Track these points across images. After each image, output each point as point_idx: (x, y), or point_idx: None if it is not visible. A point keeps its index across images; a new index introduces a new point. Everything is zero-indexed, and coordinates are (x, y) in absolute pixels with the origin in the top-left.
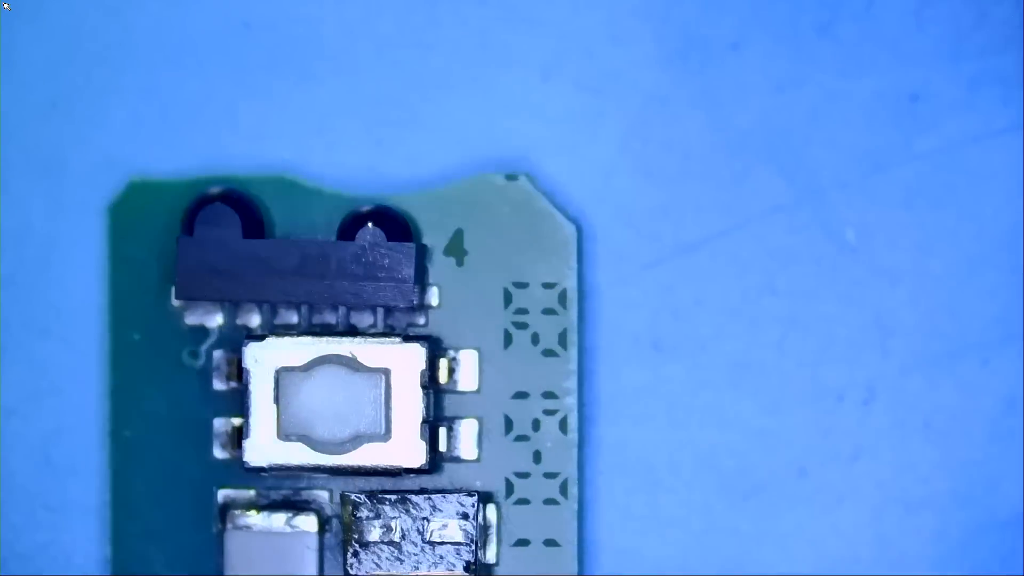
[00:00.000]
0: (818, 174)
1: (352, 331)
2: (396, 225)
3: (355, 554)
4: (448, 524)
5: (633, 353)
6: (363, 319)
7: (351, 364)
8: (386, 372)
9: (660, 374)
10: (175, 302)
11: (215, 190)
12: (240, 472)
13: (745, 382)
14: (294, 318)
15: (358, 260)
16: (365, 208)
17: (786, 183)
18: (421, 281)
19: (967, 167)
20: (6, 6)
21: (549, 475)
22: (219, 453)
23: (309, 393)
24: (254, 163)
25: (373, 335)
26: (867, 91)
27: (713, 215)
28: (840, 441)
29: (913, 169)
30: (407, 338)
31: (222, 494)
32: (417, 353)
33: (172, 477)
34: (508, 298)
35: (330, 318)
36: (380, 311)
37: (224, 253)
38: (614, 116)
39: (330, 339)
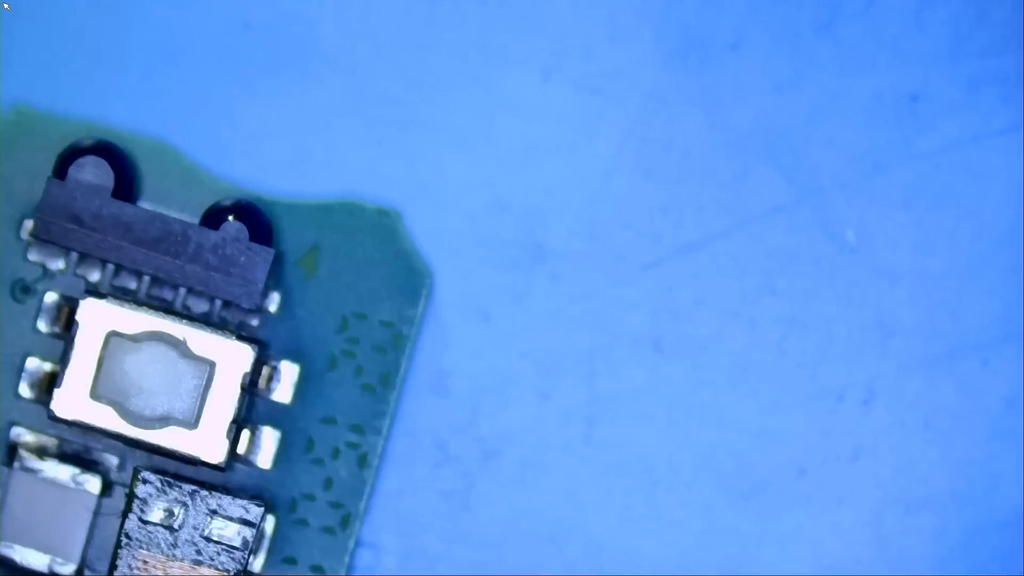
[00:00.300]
0: (818, 174)
1: (186, 313)
2: (259, 225)
3: (131, 527)
4: (229, 526)
5: (633, 353)
6: (199, 304)
7: (180, 347)
8: (212, 364)
9: (660, 374)
10: (24, 235)
11: (88, 141)
12: (40, 417)
13: (745, 382)
14: (133, 284)
15: (216, 250)
16: (227, 201)
17: (786, 183)
18: (267, 284)
19: (967, 167)
20: (6, 6)
21: (335, 504)
22: (25, 392)
23: (133, 363)
24: (254, 162)
25: (208, 324)
26: (867, 91)
27: (713, 215)
28: (840, 441)
29: (913, 169)
30: (241, 337)
31: (15, 431)
32: (246, 354)
33: None
34: (344, 324)
35: (168, 294)
36: (218, 302)
37: (90, 207)
38: (614, 116)
39: (168, 318)
